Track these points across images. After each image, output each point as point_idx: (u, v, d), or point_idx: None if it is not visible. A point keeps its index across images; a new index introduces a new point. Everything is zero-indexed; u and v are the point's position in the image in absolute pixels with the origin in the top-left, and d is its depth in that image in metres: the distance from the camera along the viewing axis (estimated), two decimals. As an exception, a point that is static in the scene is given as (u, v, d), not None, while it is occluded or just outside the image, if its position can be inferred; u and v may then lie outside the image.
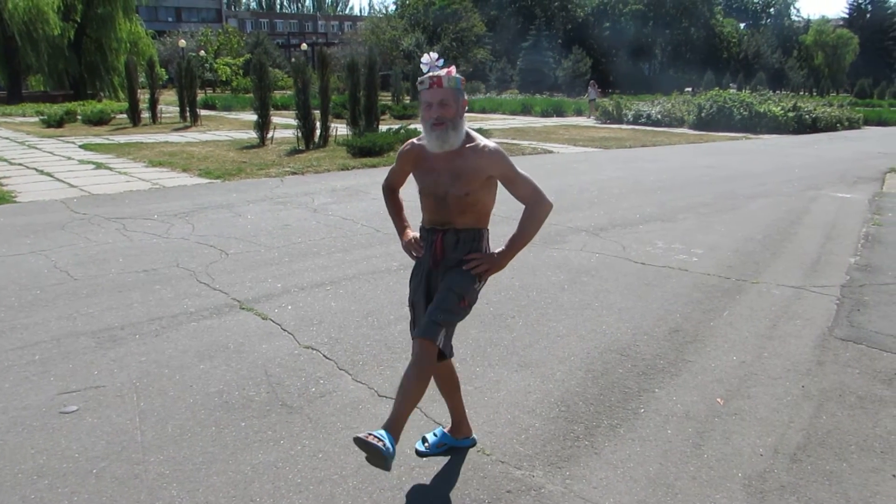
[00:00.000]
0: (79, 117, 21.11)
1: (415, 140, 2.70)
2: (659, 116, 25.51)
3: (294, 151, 14.18)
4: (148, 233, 6.97)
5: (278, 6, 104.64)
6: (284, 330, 4.32)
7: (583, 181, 11.01)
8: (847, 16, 75.31)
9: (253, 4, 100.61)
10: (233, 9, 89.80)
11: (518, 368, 3.80)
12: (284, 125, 17.91)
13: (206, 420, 3.19)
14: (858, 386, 3.63)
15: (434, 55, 2.57)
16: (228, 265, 5.80)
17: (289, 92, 32.59)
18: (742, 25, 75.17)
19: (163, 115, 21.61)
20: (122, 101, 26.37)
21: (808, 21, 77.34)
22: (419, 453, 2.93)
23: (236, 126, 21.00)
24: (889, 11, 71.17)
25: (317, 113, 15.21)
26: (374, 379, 3.63)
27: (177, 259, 5.96)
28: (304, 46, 44.86)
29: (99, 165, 11.98)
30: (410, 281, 2.80)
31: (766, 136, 21.61)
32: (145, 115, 21.19)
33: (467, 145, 2.55)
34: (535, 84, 53.18)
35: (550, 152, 15.69)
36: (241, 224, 7.46)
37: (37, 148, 14.68)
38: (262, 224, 7.45)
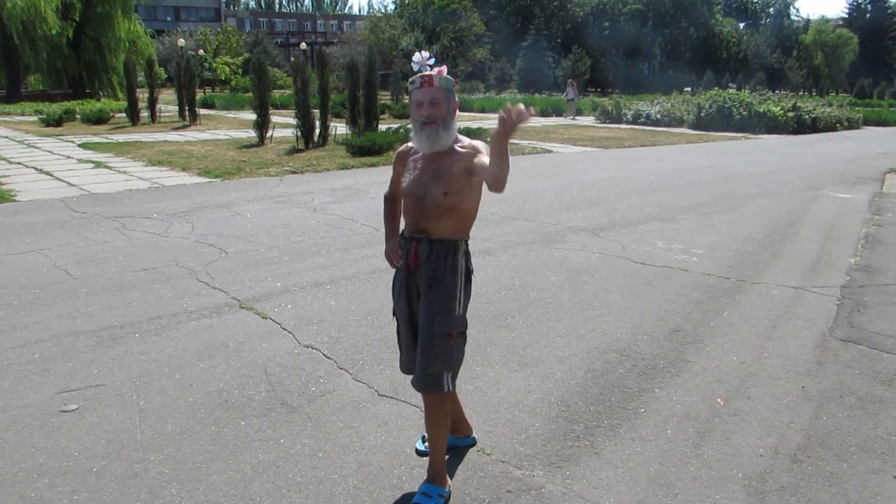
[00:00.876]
0: (78, 116, 21.08)
1: (409, 143, 2.66)
2: (658, 116, 25.52)
3: (293, 150, 14.17)
4: (147, 232, 6.97)
5: (277, 5, 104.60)
6: (284, 329, 4.31)
7: (582, 181, 11.01)
8: (846, 15, 75.37)
9: (252, 4, 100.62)
10: (232, 8, 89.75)
11: (518, 368, 3.80)
12: (284, 124, 17.90)
13: (206, 419, 3.19)
14: (859, 387, 3.63)
15: (425, 54, 2.55)
16: (228, 264, 5.79)
17: (288, 91, 32.56)
18: (741, 25, 75.21)
19: (162, 115, 21.59)
20: (121, 101, 26.34)
21: (808, 21, 77.42)
22: (419, 452, 2.92)
23: (235, 125, 20.99)
24: (889, 11, 71.22)
25: (316, 112, 15.20)
26: (374, 378, 3.63)
27: (176, 258, 5.96)
28: (303, 46, 44.79)
29: (98, 164, 11.97)
30: (392, 290, 2.74)
31: (765, 136, 21.62)
32: (144, 114, 21.16)
33: (457, 146, 2.52)
34: (534, 84, 53.20)
35: (550, 152, 15.69)
36: (241, 223, 7.45)
37: (36, 147, 14.66)
38: (261, 223, 7.45)
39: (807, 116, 24.10)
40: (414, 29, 53.47)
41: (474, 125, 17.72)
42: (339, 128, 16.16)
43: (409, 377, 2.70)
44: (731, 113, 23.52)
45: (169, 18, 74.73)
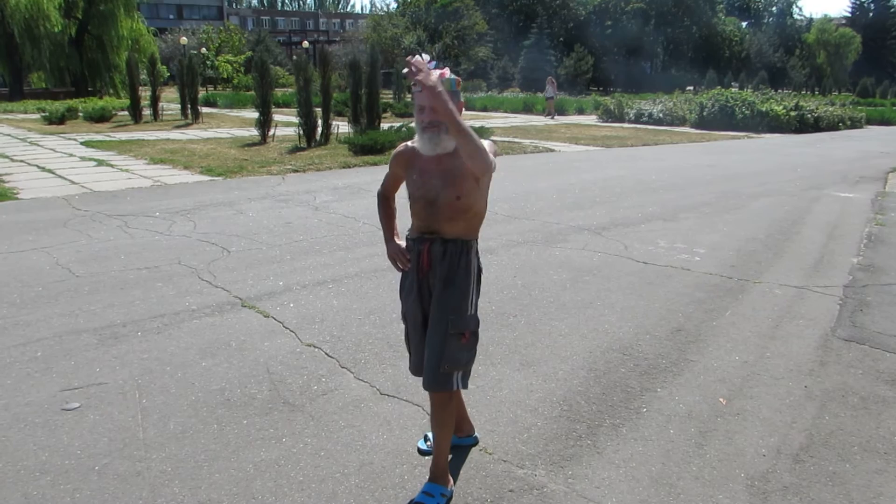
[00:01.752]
0: (80, 114, 21.10)
1: (408, 143, 2.65)
2: (660, 115, 25.47)
3: (295, 149, 14.17)
4: (150, 230, 6.97)
5: (279, 4, 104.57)
6: (286, 328, 4.31)
7: (584, 180, 11.00)
8: (849, 14, 75.16)
9: (254, 2, 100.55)
10: (234, 6, 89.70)
11: (520, 367, 3.80)
12: (286, 123, 17.91)
13: (208, 418, 3.19)
14: (861, 387, 3.62)
15: (426, 57, 2.54)
16: (230, 263, 5.80)
17: (290, 90, 32.54)
18: (744, 24, 75.07)
19: (164, 113, 21.59)
20: (124, 99, 26.33)
21: (811, 20, 77.17)
22: (421, 452, 2.92)
23: (238, 124, 21.00)
24: (892, 10, 70.99)
25: (318, 111, 15.20)
26: (376, 377, 3.63)
27: (178, 256, 5.96)
28: (305, 44, 44.86)
29: (100, 162, 11.98)
30: (400, 292, 2.73)
31: (767, 136, 21.58)
32: (147, 112, 21.17)
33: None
34: (536, 82, 53.13)
35: (552, 151, 15.67)
36: (243, 222, 7.46)
37: (38, 145, 14.68)
38: (263, 222, 7.45)
39: (809, 116, 24.04)
40: (416, 27, 53.45)
41: (477, 123, 17.71)
42: (342, 126, 16.16)
43: (416, 378, 2.70)
44: (734, 112, 23.48)
45: (171, 16, 74.77)
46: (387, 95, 28.15)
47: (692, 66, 61.44)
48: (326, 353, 3.93)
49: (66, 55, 31.40)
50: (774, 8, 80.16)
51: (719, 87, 30.22)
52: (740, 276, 5.62)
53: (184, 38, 39.05)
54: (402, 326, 2.79)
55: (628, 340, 4.21)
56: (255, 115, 15.90)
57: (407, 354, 2.82)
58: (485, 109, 31.75)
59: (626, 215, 8.08)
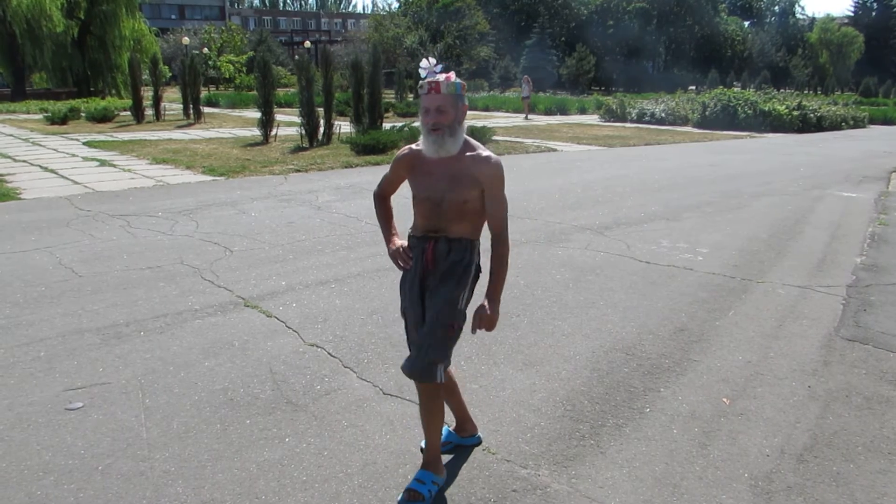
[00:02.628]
0: (82, 114, 21.12)
1: (412, 146, 2.68)
2: (663, 115, 25.45)
3: (298, 149, 14.18)
4: (152, 230, 6.98)
5: (281, 4, 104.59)
6: (289, 327, 4.32)
7: (587, 179, 10.99)
8: (852, 14, 75.03)
9: (256, 2, 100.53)
10: (236, 6, 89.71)
11: (523, 367, 3.80)
12: (288, 123, 17.92)
13: (212, 417, 3.19)
14: (865, 387, 3.62)
15: (432, 60, 2.56)
16: (233, 262, 5.80)
17: (292, 90, 32.53)
18: (746, 24, 74.95)
19: (166, 113, 21.60)
20: (126, 99, 26.34)
21: (813, 19, 77.13)
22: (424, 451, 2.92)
23: (240, 123, 21.01)
24: (895, 10, 70.86)
25: (320, 110, 15.20)
26: (378, 377, 3.63)
27: (181, 256, 5.96)
28: (307, 44, 44.84)
29: (103, 162, 11.99)
30: (401, 288, 2.75)
31: (770, 135, 21.55)
32: (149, 112, 21.19)
33: (467, 153, 2.53)
34: (538, 82, 53.08)
35: (554, 150, 15.66)
36: (245, 221, 7.46)
37: (41, 145, 14.70)
38: (266, 221, 7.45)
39: (812, 115, 24.02)
40: (418, 27, 53.43)
41: (479, 123, 17.72)
42: (344, 126, 16.16)
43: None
44: (736, 112, 23.45)
45: (173, 17, 74.83)
46: (389, 95, 28.15)
47: (694, 65, 61.39)
48: (329, 353, 3.93)
49: (69, 55, 31.44)
50: (777, 7, 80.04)
51: (721, 87, 30.21)
52: (743, 276, 5.61)
53: (186, 38, 39.02)
54: (404, 324, 2.80)
55: (631, 340, 4.20)
56: (258, 114, 15.90)
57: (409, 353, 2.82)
58: (487, 109, 31.74)
59: (628, 215, 8.07)
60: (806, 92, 51.91)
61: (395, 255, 2.73)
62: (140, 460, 2.83)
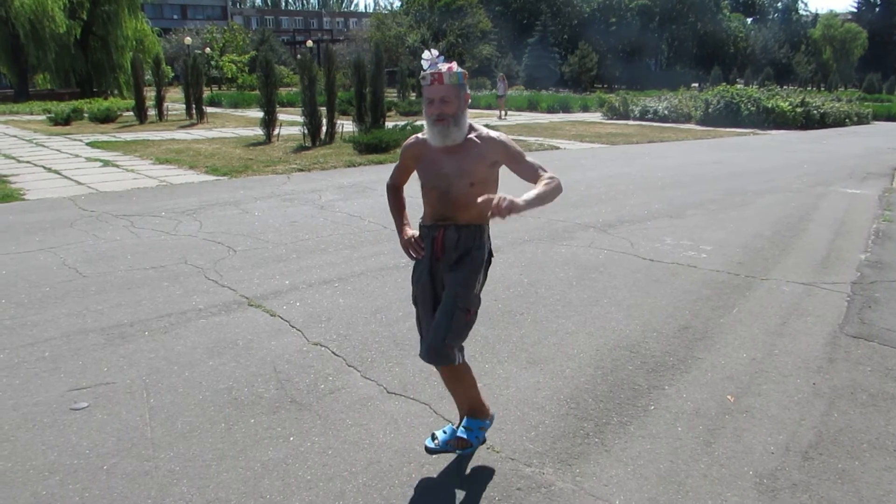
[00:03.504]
0: (85, 115, 21.17)
1: (418, 135, 2.73)
2: (666, 112, 25.39)
3: (300, 148, 14.18)
4: (156, 230, 6.99)
5: (283, 3, 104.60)
6: (293, 327, 4.32)
7: (590, 177, 10.98)
8: (855, 10, 74.77)
9: (258, 2, 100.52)
10: (238, 6, 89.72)
11: (527, 365, 3.79)
12: (290, 122, 17.92)
13: (216, 417, 3.20)
14: (870, 384, 3.61)
15: (435, 52, 2.58)
16: (236, 262, 5.81)
17: (294, 89, 32.59)
18: (749, 20, 74.75)
19: (169, 113, 21.64)
20: (129, 99, 26.42)
21: (816, 15, 76.75)
22: (429, 450, 2.91)
23: (242, 123, 21.03)
24: (898, 6, 70.59)
25: (323, 110, 15.21)
26: (382, 376, 3.63)
27: (185, 256, 5.97)
28: (309, 43, 44.85)
29: (106, 163, 12.01)
30: (412, 277, 2.82)
31: (773, 132, 21.49)
32: (151, 112, 21.24)
33: (470, 136, 2.61)
34: (540, 80, 53.04)
35: (557, 148, 15.65)
36: (249, 221, 7.47)
37: (44, 146, 14.73)
38: (269, 221, 7.46)
39: (815, 112, 23.93)
40: (420, 26, 53.43)
41: (482, 122, 17.69)
42: (346, 125, 16.16)
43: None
44: (739, 109, 23.38)
45: (175, 17, 74.92)
46: (391, 94, 28.18)
47: (697, 63, 61.27)
48: (333, 352, 3.93)
49: (72, 56, 31.54)
50: (780, 4, 79.79)
51: (724, 84, 30.12)
52: (747, 273, 5.60)
53: (188, 38, 39.11)
54: (409, 325, 2.82)
55: (635, 338, 4.20)
56: (260, 114, 15.91)
57: (414, 352, 2.83)
58: (489, 107, 31.69)
59: (631, 212, 8.06)
60: (809, 88, 51.82)
61: (407, 245, 2.80)
62: (145, 460, 2.84)
